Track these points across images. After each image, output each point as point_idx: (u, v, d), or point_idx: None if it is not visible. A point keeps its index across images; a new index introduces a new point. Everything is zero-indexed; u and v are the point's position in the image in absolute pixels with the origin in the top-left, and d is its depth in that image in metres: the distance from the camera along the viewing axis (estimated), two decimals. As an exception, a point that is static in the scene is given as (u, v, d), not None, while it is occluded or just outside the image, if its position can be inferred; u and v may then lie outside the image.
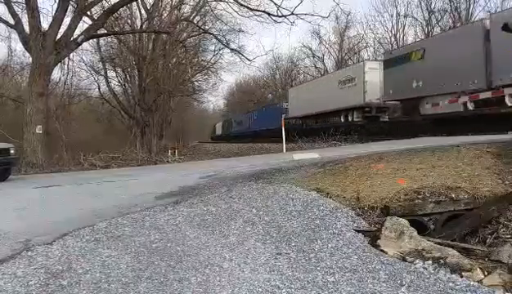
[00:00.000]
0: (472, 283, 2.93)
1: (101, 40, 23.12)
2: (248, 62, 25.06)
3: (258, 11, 18.37)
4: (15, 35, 15.74)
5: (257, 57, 58.78)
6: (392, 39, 35.73)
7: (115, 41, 23.61)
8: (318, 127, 23.08)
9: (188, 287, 2.91)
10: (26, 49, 13.55)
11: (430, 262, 3.29)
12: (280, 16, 17.71)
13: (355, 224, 4.31)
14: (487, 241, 4.39)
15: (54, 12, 13.28)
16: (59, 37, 13.25)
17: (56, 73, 22.05)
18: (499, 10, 25.49)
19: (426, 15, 32.46)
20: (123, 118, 29.66)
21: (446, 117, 14.44)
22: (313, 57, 44.85)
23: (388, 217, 4.17)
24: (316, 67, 45.15)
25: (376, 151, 7.47)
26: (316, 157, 8.09)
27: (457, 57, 13.35)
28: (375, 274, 3.09)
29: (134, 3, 20.53)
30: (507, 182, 5.30)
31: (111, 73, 27.77)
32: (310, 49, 44.71)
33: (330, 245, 3.71)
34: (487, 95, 12.64)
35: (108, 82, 26.95)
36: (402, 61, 16.46)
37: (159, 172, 9.58)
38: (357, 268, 3.21)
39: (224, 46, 25.61)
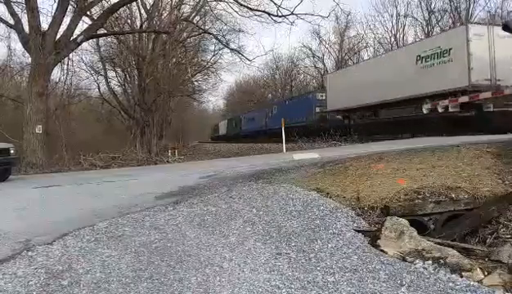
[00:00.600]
0: (472, 283, 2.93)
1: (101, 40, 23.10)
2: (248, 62, 25.13)
3: (258, 10, 18.41)
4: (14, 35, 15.71)
5: (257, 57, 59.09)
6: (392, 39, 35.75)
7: (115, 41, 23.59)
8: (378, 122, 18.32)
9: (188, 287, 2.91)
10: (26, 49, 13.54)
11: (430, 262, 3.30)
12: (280, 16, 17.75)
13: (355, 224, 4.31)
14: (487, 241, 4.39)
15: (54, 12, 13.26)
16: (58, 37, 13.24)
17: (56, 73, 22.06)
18: (499, 10, 25.41)
19: (426, 15, 32.46)
20: (123, 118, 29.62)
21: None
22: (313, 57, 44.87)
23: (388, 217, 4.17)
24: (316, 67, 45.18)
25: (376, 151, 7.48)
26: (316, 157, 8.09)
27: None
28: (375, 274, 3.09)
29: (134, 3, 20.51)
30: (507, 182, 5.31)
31: (111, 73, 27.77)
32: (310, 49, 44.72)
33: (330, 245, 3.71)
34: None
35: (108, 82, 26.94)
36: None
37: (159, 172, 9.58)
38: (357, 268, 3.21)
39: (224, 46, 25.69)
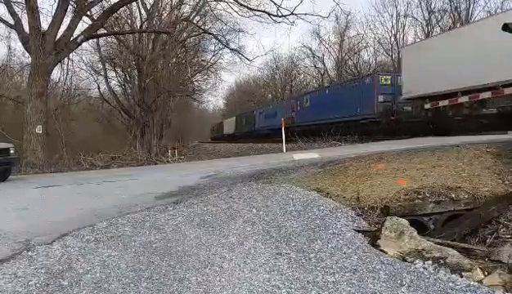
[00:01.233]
0: (472, 283, 2.93)
1: (101, 40, 23.10)
2: (248, 62, 25.11)
3: (258, 10, 18.39)
4: (14, 35, 15.73)
5: (257, 57, 58.76)
6: (392, 39, 35.76)
7: (115, 41, 23.58)
8: (487, 115, 12.43)
9: (188, 287, 2.91)
10: (26, 49, 13.54)
11: (430, 262, 3.30)
12: (280, 16, 17.74)
13: (355, 224, 4.31)
14: (487, 241, 4.39)
15: (54, 12, 13.27)
16: (58, 37, 13.24)
17: (56, 73, 22.05)
18: (499, 10, 25.26)
19: (426, 15, 32.47)
20: (122, 118, 29.63)
21: None
22: (313, 57, 44.82)
23: (388, 217, 4.17)
24: (316, 67, 45.17)
25: (376, 151, 7.48)
26: (316, 157, 8.09)
27: None
28: (375, 274, 3.09)
29: (134, 3, 20.53)
30: (507, 182, 5.30)
31: (111, 73, 27.75)
32: (310, 49, 44.68)
33: (330, 245, 3.71)
34: None
35: (108, 82, 26.94)
36: None
37: (158, 172, 9.58)
38: (357, 268, 3.21)
39: (224, 46, 25.67)
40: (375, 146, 9.67)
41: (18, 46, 39.80)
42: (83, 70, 26.03)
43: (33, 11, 12.57)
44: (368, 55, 40.74)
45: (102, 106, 30.28)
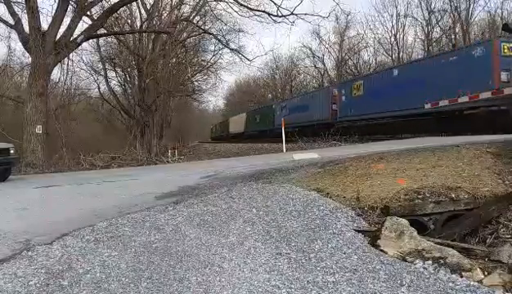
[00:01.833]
0: (472, 283, 2.93)
1: (101, 40, 23.12)
2: (248, 62, 25.13)
3: (258, 10, 18.41)
4: (14, 35, 15.71)
5: (257, 57, 58.66)
6: (392, 39, 35.78)
7: (115, 41, 23.61)
8: None
9: (188, 287, 2.91)
10: (26, 49, 13.55)
11: (430, 262, 3.29)
12: (280, 16, 17.75)
13: (355, 224, 4.31)
14: (487, 241, 4.38)
15: (54, 12, 13.29)
16: (58, 37, 13.25)
17: (56, 73, 22.11)
18: (499, 10, 25.14)
19: (426, 15, 32.51)
20: (122, 118, 29.66)
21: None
22: (313, 57, 44.93)
23: (388, 217, 4.17)
24: (316, 67, 45.20)
25: (376, 151, 7.47)
26: (316, 157, 8.09)
27: None
28: (375, 274, 3.09)
29: (134, 3, 20.54)
30: (507, 182, 5.30)
31: (111, 73, 27.80)
32: (310, 49, 44.79)
33: (330, 245, 3.71)
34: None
35: (108, 82, 26.97)
36: None
37: (158, 172, 9.58)
38: (357, 268, 3.21)
39: (224, 46, 25.68)
40: (375, 146, 9.67)
41: (18, 46, 39.93)
42: (83, 70, 26.10)
43: (33, 11, 12.58)
44: (368, 55, 40.86)
45: (102, 106, 30.31)
